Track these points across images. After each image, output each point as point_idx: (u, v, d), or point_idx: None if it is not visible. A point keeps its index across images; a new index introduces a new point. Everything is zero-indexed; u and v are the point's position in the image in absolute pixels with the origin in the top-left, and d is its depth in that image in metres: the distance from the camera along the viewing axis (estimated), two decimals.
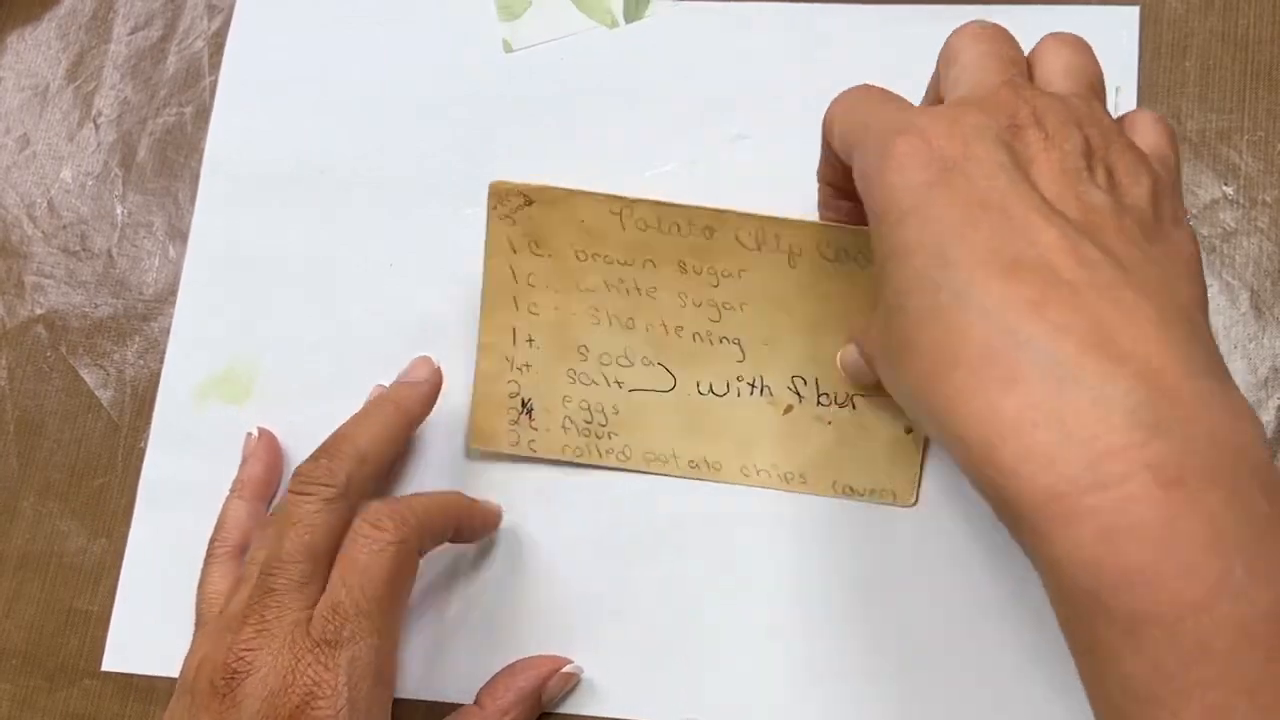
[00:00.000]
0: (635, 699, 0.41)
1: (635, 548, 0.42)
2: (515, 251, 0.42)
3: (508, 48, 0.48)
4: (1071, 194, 0.30)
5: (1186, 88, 0.44)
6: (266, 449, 0.44)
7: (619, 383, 0.42)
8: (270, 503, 0.44)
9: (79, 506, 0.46)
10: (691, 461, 0.42)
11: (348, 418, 0.41)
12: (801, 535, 0.42)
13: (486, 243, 0.42)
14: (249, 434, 0.45)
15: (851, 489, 0.41)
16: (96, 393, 0.47)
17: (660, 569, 0.42)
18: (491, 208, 0.42)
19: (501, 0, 0.49)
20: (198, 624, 0.40)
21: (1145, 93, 0.44)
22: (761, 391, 0.42)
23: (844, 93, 0.37)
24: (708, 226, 0.41)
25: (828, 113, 0.37)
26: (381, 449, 0.40)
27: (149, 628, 0.44)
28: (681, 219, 0.41)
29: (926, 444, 0.41)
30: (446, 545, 0.41)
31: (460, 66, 0.48)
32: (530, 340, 0.42)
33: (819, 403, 0.42)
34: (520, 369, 0.43)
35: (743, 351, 0.42)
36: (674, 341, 0.42)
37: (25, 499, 0.47)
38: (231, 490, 0.43)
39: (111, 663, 0.44)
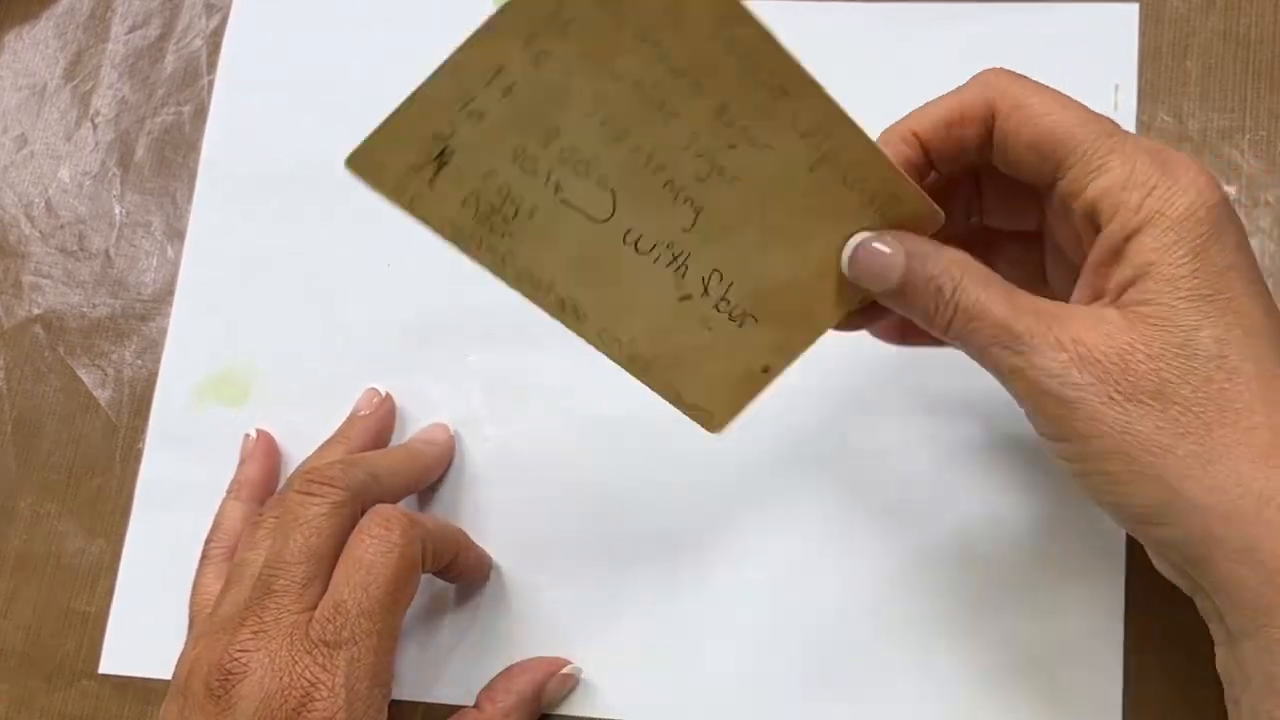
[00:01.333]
0: (632, 700, 0.41)
1: (633, 550, 0.42)
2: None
3: None
4: None
5: (1188, 87, 0.44)
6: (264, 451, 0.44)
7: (558, 185, 0.34)
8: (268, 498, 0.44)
9: (77, 507, 0.46)
10: (561, 299, 0.36)
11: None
12: (801, 535, 0.42)
13: None
14: (247, 435, 0.45)
15: (680, 397, 0.37)
16: (94, 393, 0.47)
17: (657, 571, 0.42)
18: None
19: (501, 1, 0.49)
20: (191, 625, 0.40)
21: (1147, 92, 0.44)
22: (678, 269, 0.36)
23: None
24: (783, 88, 0.34)
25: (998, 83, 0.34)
26: (393, 479, 0.40)
27: (146, 630, 0.44)
28: (771, 64, 0.34)
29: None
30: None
31: None
32: (507, 90, 0.33)
33: (716, 307, 0.37)
34: (470, 113, 0.33)
35: (695, 221, 0.36)
36: (644, 178, 0.35)
37: (23, 499, 0.47)
38: (229, 491, 0.43)
39: (109, 665, 0.44)
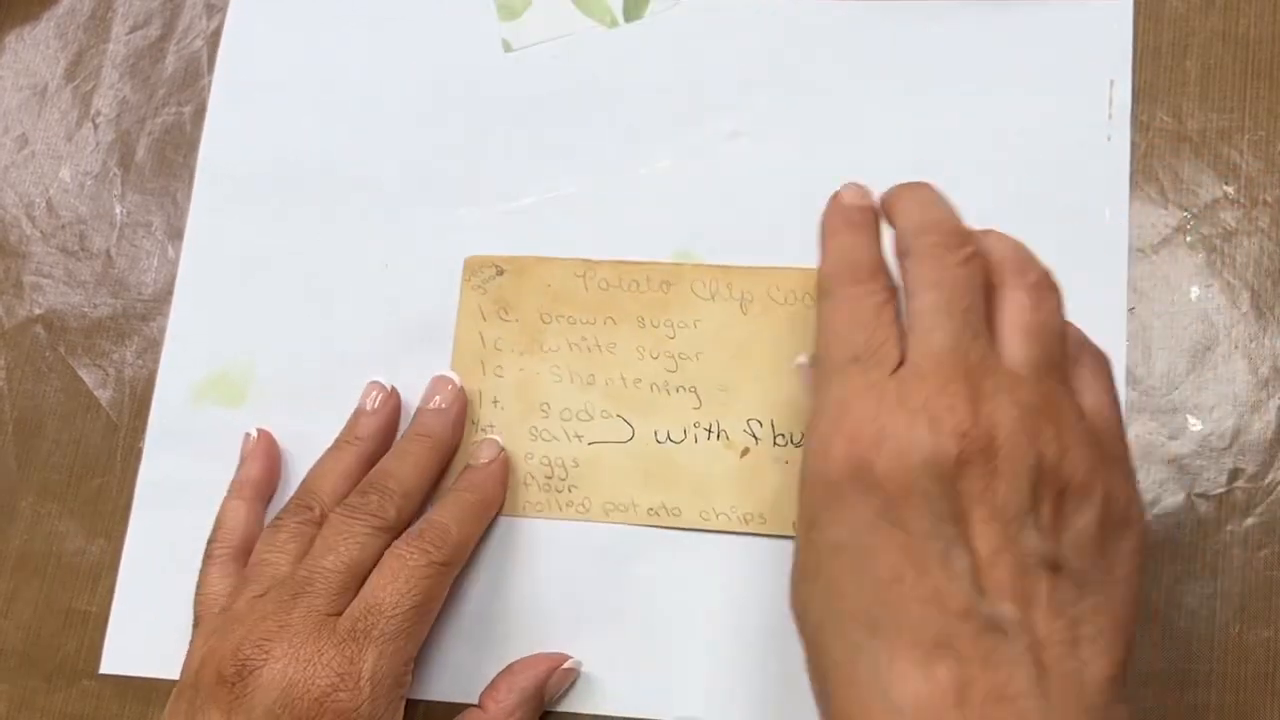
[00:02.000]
0: (635, 696, 0.41)
1: (633, 545, 0.42)
2: (484, 319, 0.44)
3: (507, 47, 0.48)
4: (1008, 555, 0.30)
5: (1187, 87, 0.44)
6: (265, 450, 0.44)
7: (579, 436, 0.43)
8: (269, 504, 0.44)
9: (77, 507, 0.46)
10: (651, 509, 0.42)
11: (391, 451, 0.42)
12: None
13: (458, 312, 0.45)
14: (247, 434, 0.45)
15: None
16: (95, 393, 0.47)
17: (658, 566, 0.42)
18: (465, 279, 0.45)
19: (501, 0, 0.49)
20: (197, 624, 0.40)
21: (1146, 92, 0.44)
22: (718, 436, 0.43)
23: (834, 243, 0.35)
24: (665, 281, 0.44)
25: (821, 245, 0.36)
26: (423, 485, 0.41)
27: (147, 630, 0.44)
28: (640, 275, 0.44)
29: None
30: None
31: (459, 66, 0.48)
32: (495, 402, 0.44)
33: (775, 443, 0.42)
34: (485, 430, 0.44)
35: (699, 399, 0.43)
36: (632, 393, 0.43)
37: (24, 499, 0.47)
38: (230, 491, 0.43)
39: (110, 665, 0.44)
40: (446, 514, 0.40)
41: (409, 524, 0.40)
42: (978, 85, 0.44)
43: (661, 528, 0.42)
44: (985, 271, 0.34)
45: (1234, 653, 0.39)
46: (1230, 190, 0.43)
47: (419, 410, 0.43)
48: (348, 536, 0.39)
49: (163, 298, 0.48)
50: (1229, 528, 0.40)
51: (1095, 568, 0.30)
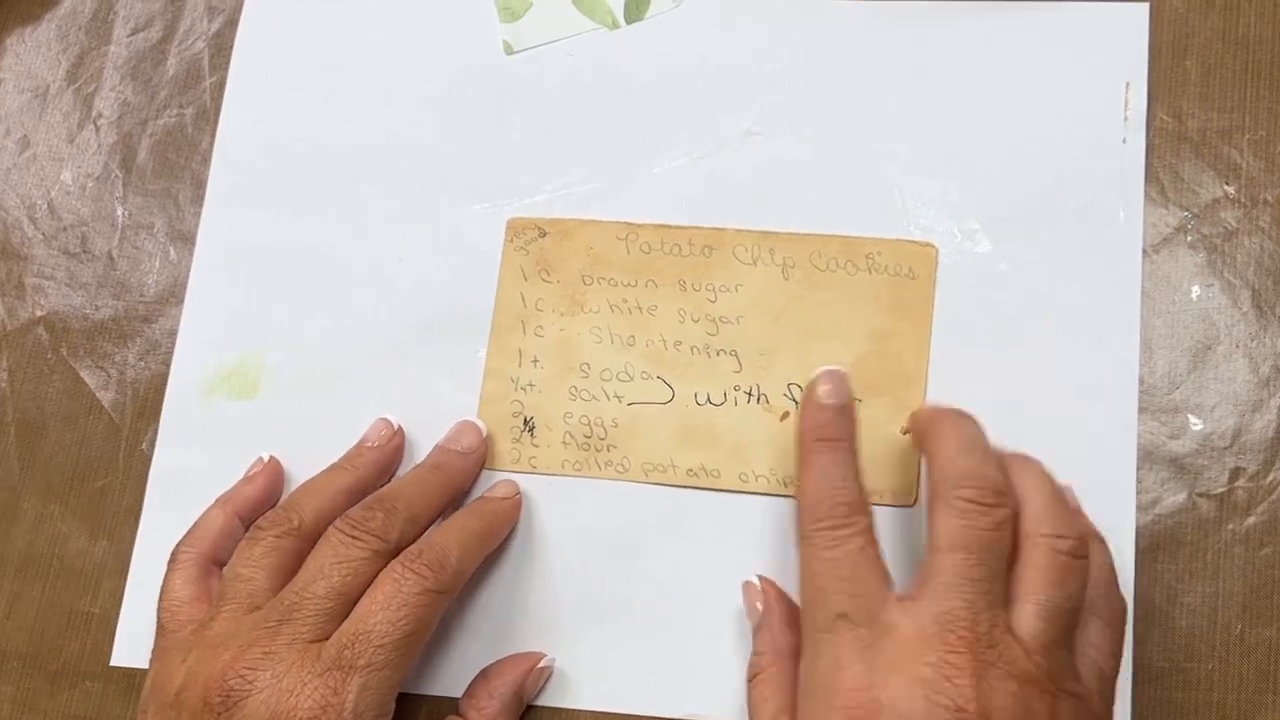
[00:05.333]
0: (629, 693, 0.41)
1: (630, 544, 0.42)
2: (526, 279, 0.45)
3: (508, 49, 0.48)
4: None
5: (1188, 87, 0.44)
6: (270, 477, 0.44)
7: (618, 397, 0.43)
8: (248, 525, 0.42)
9: (80, 508, 0.46)
10: (690, 470, 0.43)
11: (402, 477, 0.41)
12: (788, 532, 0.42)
13: (500, 272, 0.45)
14: (260, 458, 0.44)
15: None
16: (97, 394, 0.47)
17: (654, 564, 0.42)
18: (508, 240, 0.45)
19: (502, 2, 0.49)
20: (161, 632, 0.39)
21: (1146, 92, 0.44)
22: (758, 399, 0.43)
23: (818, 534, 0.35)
24: (707, 245, 0.44)
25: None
26: (429, 516, 0.40)
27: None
28: (683, 240, 0.44)
29: None
30: None
31: (462, 67, 0.48)
32: (535, 361, 0.44)
33: None
34: (524, 389, 0.44)
35: (739, 362, 0.43)
36: (672, 355, 0.43)
37: (26, 501, 0.47)
38: (218, 500, 0.43)
39: (120, 658, 0.44)
40: (449, 537, 0.39)
41: (407, 545, 0.39)
42: (992, 86, 0.45)
43: (700, 489, 0.42)
44: (1014, 531, 0.34)
45: (1236, 652, 0.40)
46: (1231, 190, 0.43)
47: (440, 447, 0.43)
48: (343, 561, 0.37)
49: (165, 299, 0.48)
50: (1230, 527, 0.40)
51: None
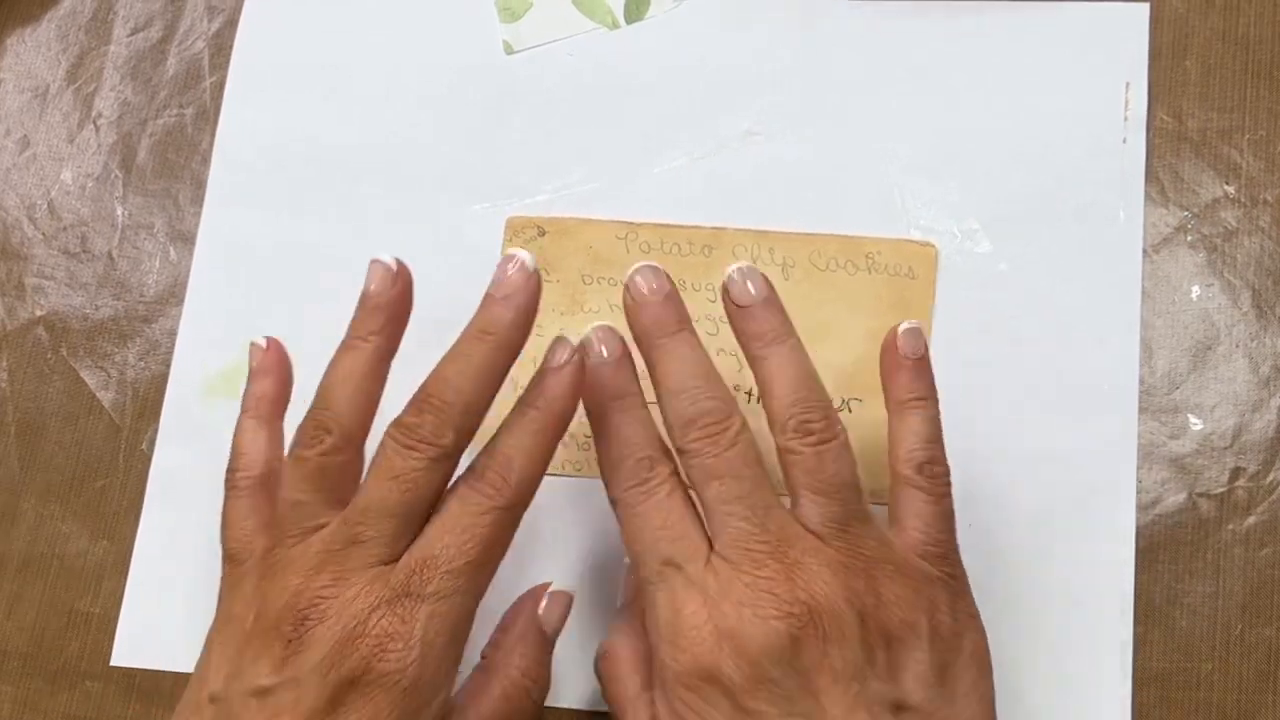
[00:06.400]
0: None
1: None
2: None
3: (508, 49, 0.48)
4: (859, 710, 0.32)
5: (1188, 87, 0.44)
6: (277, 362, 0.41)
7: None
8: (284, 419, 0.41)
9: (80, 508, 0.46)
10: None
11: (448, 353, 0.36)
12: None
13: None
14: (255, 344, 0.41)
15: (872, 493, 0.41)
16: (97, 394, 0.47)
17: None
18: (507, 239, 0.45)
19: (502, 2, 0.49)
20: (229, 561, 0.38)
21: (1147, 91, 0.44)
22: (758, 400, 0.42)
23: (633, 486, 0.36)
24: (706, 245, 0.44)
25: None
26: (486, 396, 0.36)
27: (158, 624, 0.44)
28: (682, 239, 0.44)
29: None
30: None
31: (462, 67, 0.48)
32: (536, 361, 0.42)
33: None
34: (523, 390, 0.43)
35: (740, 362, 0.42)
36: None
37: (26, 501, 0.47)
38: (245, 408, 0.40)
39: (120, 658, 0.44)
40: (512, 442, 0.36)
41: (467, 443, 0.36)
42: (992, 86, 0.45)
43: None
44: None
45: (1236, 651, 0.40)
46: (1231, 190, 0.43)
47: (487, 298, 0.37)
48: (400, 476, 0.35)
49: (165, 299, 0.48)
50: (1230, 527, 0.41)
51: (940, 694, 0.33)
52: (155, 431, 0.46)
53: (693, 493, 0.36)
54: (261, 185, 0.48)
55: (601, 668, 0.37)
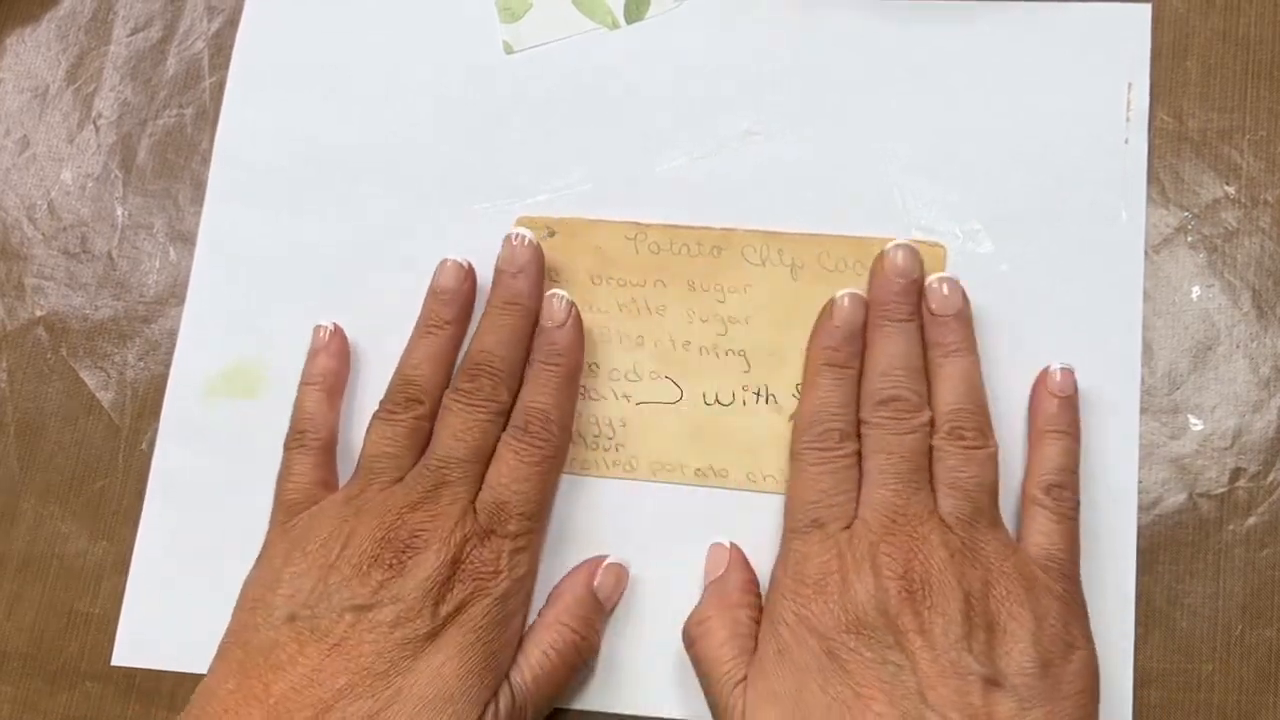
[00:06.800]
0: (633, 692, 0.41)
1: (637, 543, 0.43)
2: None
3: (508, 49, 0.48)
4: (951, 675, 0.35)
5: (1188, 87, 0.44)
6: (339, 348, 0.45)
7: (626, 396, 0.44)
8: (343, 397, 0.45)
9: (80, 509, 0.46)
10: (698, 469, 0.43)
11: (483, 326, 0.42)
12: None
13: None
14: (320, 327, 0.45)
15: None
16: (97, 395, 0.47)
17: (661, 563, 0.42)
18: None
19: (502, 2, 0.49)
20: (287, 509, 0.42)
21: (1148, 91, 0.44)
22: (767, 400, 0.43)
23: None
24: (716, 245, 0.44)
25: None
26: (523, 357, 0.42)
27: (158, 624, 0.44)
28: (691, 240, 0.44)
29: None
30: None
31: (462, 67, 0.48)
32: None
33: None
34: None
35: (748, 362, 0.43)
36: (681, 356, 0.44)
37: (26, 501, 0.47)
38: (307, 379, 0.44)
39: (120, 658, 0.44)
40: (544, 397, 0.41)
41: (515, 398, 0.42)
42: (993, 86, 0.45)
43: (708, 488, 0.43)
44: (928, 435, 0.39)
45: (1236, 652, 0.40)
46: (1231, 190, 0.43)
47: (500, 275, 0.43)
48: (472, 428, 0.41)
49: (165, 299, 0.48)
50: (1230, 527, 0.41)
51: (1039, 686, 0.35)
52: (155, 431, 0.46)
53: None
54: (261, 185, 0.48)
55: (694, 633, 0.40)
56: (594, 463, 0.43)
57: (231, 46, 0.50)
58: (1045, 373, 0.41)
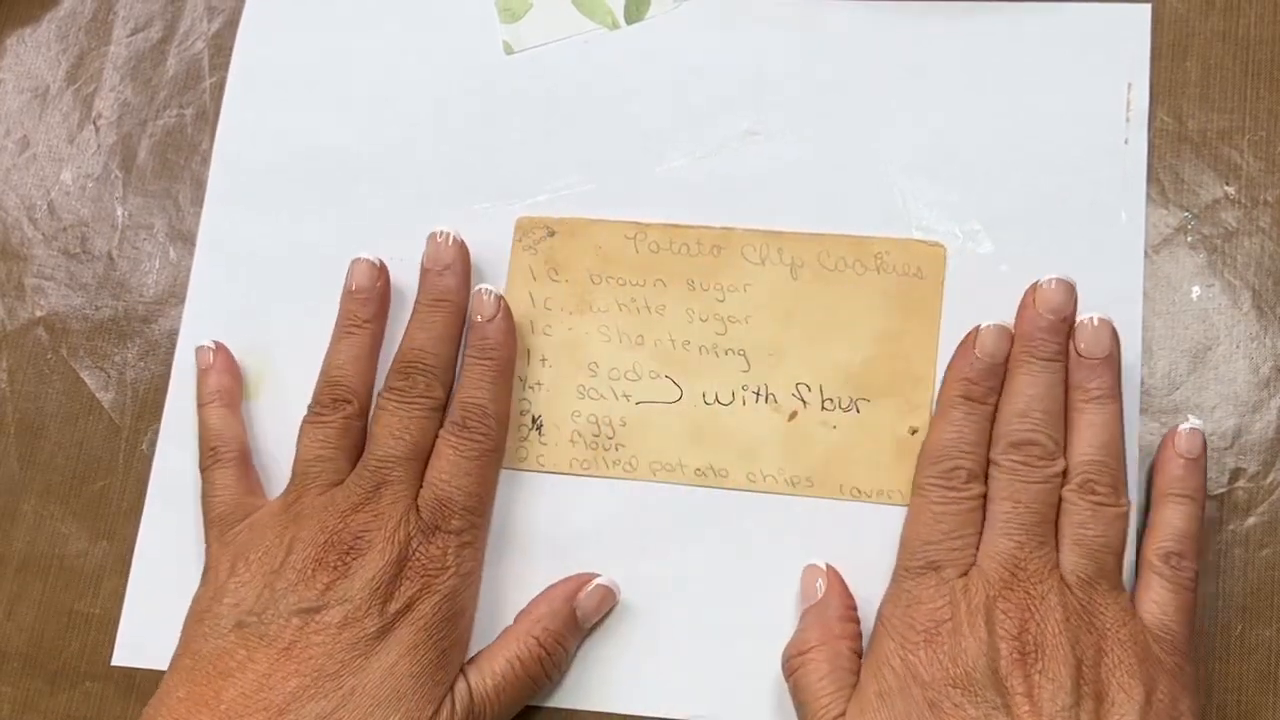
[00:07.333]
0: (633, 692, 0.41)
1: (637, 543, 0.43)
2: (535, 279, 0.45)
3: (508, 50, 0.48)
4: None
5: (1188, 88, 0.44)
6: (226, 359, 0.45)
7: (626, 396, 0.44)
8: (241, 407, 0.45)
9: (80, 509, 0.46)
10: (698, 469, 0.43)
11: (413, 323, 0.43)
12: (810, 530, 0.42)
13: (509, 272, 0.45)
14: (202, 346, 0.46)
15: (858, 490, 0.42)
16: (97, 395, 0.47)
17: (661, 563, 0.42)
18: (516, 240, 0.45)
19: (502, 3, 0.49)
20: (220, 524, 0.42)
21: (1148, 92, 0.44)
22: (766, 399, 0.43)
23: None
24: (715, 245, 0.44)
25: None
26: (455, 353, 0.43)
27: (158, 624, 0.44)
28: (691, 239, 0.44)
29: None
30: None
31: (464, 68, 0.48)
32: (543, 360, 0.44)
33: (823, 408, 0.43)
34: (532, 388, 0.44)
35: (747, 362, 0.43)
36: (681, 355, 0.44)
37: (26, 502, 0.47)
38: (206, 399, 0.44)
39: (120, 658, 0.44)
40: (480, 391, 0.41)
41: (449, 394, 0.42)
42: (993, 86, 0.45)
43: (708, 488, 0.42)
44: (1060, 485, 0.38)
45: (1236, 652, 0.40)
46: (1231, 190, 0.43)
47: (426, 274, 0.44)
48: (408, 425, 0.41)
49: (164, 299, 0.48)
50: (1230, 527, 0.41)
51: None
52: (155, 432, 0.46)
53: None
54: (262, 185, 0.48)
55: (794, 663, 0.39)
56: (594, 462, 0.43)
57: (231, 47, 0.50)
58: (1173, 431, 0.39)
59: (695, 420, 0.43)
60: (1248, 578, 0.40)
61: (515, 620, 0.41)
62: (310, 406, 0.43)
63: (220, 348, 0.45)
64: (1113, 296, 0.42)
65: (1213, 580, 0.40)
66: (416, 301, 0.43)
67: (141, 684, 0.44)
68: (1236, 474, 0.41)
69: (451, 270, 0.43)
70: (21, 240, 0.50)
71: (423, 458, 0.41)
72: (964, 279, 0.43)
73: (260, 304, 0.47)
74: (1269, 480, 0.41)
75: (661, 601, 0.42)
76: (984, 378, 0.40)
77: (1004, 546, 0.37)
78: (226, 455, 0.43)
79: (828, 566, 0.40)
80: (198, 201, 0.49)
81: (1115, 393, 0.39)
